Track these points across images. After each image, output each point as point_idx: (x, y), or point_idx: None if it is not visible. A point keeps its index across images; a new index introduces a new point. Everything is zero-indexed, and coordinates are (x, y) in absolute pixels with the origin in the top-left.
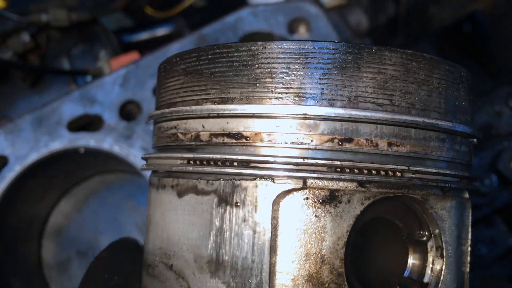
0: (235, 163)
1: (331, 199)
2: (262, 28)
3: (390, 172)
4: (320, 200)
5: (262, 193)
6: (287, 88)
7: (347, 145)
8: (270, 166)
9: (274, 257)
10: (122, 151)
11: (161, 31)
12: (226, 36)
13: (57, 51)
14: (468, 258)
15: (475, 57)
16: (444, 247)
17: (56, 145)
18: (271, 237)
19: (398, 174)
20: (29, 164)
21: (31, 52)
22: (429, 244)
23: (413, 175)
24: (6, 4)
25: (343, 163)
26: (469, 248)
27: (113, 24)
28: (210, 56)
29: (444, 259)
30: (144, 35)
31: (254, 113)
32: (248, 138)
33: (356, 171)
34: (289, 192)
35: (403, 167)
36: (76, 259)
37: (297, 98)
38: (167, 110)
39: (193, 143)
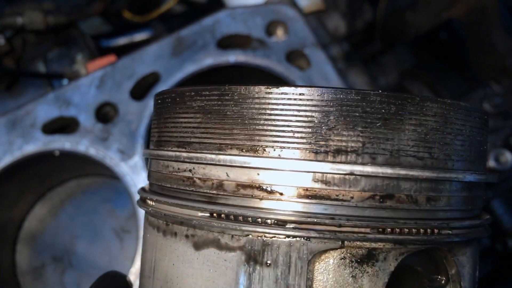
0: (268, 221)
1: (368, 258)
2: (240, 31)
3: (429, 230)
4: (358, 260)
5: (296, 252)
6: (326, 140)
7: (388, 202)
8: (313, 227)
9: None
10: (98, 153)
11: (139, 36)
12: (203, 37)
13: (33, 55)
14: None
15: (451, 62)
16: None
17: (31, 148)
18: None
19: (436, 231)
20: (2, 167)
21: (6, 56)
22: None
23: (450, 232)
24: None
25: (384, 222)
26: (476, 286)
27: (91, 29)
28: (236, 97)
29: None
30: (122, 40)
31: (289, 169)
32: (282, 194)
33: (398, 230)
34: (325, 251)
35: (443, 225)
36: (51, 265)
37: (336, 152)
38: (183, 153)
39: (214, 191)
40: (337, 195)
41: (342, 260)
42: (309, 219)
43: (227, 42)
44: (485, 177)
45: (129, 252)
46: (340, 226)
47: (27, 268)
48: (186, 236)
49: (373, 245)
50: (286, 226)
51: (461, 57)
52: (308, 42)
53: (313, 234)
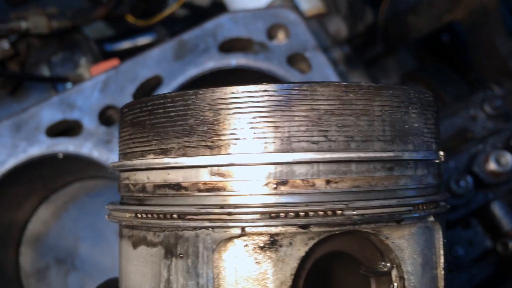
0: (175, 215)
1: (271, 244)
2: (241, 34)
3: (329, 212)
4: (260, 246)
5: (202, 243)
6: (219, 135)
7: (282, 188)
8: (207, 217)
9: None
10: (101, 156)
11: (142, 40)
12: (205, 41)
13: (37, 59)
14: (442, 283)
15: (454, 65)
16: (405, 277)
17: (35, 151)
18: (214, 287)
19: (339, 212)
20: (7, 170)
21: (10, 60)
22: (393, 274)
23: (353, 212)
24: None
25: (280, 207)
26: (442, 272)
27: (95, 33)
28: (149, 107)
29: None
30: (125, 44)
31: (189, 164)
32: (186, 189)
33: (292, 214)
34: (228, 240)
35: (341, 206)
36: (55, 267)
37: (228, 146)
38: (123, 162)
39: (141, 194)
40: (231, 186)
41: (246, 247)
42: (202, 210)
43: (229, 46)
44: (399, 151)
45: None
46: (230, 214)
47: (31, 270)
48: (128, 237)
49: (274, 230)
50: (187, 217)
51: (463, 59)
52: (309, 46)
53: (211, 223)
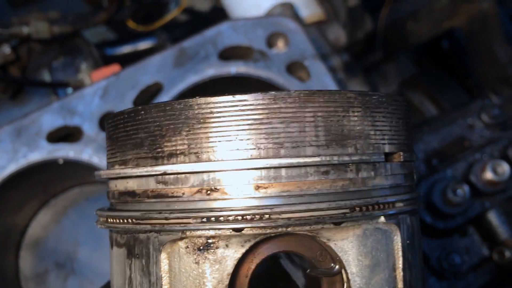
0: (129, 220)
1: (208, 246)
2: (241, 42)
3: (256, 216)
4: (200, 248)
5: (152, 244)
6: (162, 147)
7: (215, 194)
8: (149, 221)
9: None
10: (101, 162)
11: (143, 45)
12: (205, 49)
13: (38, 64)
14: (401, 284)
15: (453, 72)
16: (350, 278)
17: (35, 156)
18: (162, 285)
19: (266, 216)
20: (7, 175)
21: (11, 64)
22: (344, 275)
23: (279, 216)
24: None
25: (211, 212)
26: (402, 273)
27: (96, 37)
28: (113, 123)
29: None
30: (126, 49)
31: (139, 174)
32: (139, 196)
33: (221, 219)
34: (173, 242)
35: (266, 210)
36: (54, 271)
37: (169, 156)
38: (98, 172)
39: (114, 200)
40: (172, 193)
41: (187, 248)
42: (145, 215)
43: (228, 54)
44: (344, 158)
45: None
46: (167, 219)
47: (30, 274)
48: (109, 238)
49: (210, 233)
50: (136, 222)
51: (462, 66)
52: (308, 54)
53: (150, 228)
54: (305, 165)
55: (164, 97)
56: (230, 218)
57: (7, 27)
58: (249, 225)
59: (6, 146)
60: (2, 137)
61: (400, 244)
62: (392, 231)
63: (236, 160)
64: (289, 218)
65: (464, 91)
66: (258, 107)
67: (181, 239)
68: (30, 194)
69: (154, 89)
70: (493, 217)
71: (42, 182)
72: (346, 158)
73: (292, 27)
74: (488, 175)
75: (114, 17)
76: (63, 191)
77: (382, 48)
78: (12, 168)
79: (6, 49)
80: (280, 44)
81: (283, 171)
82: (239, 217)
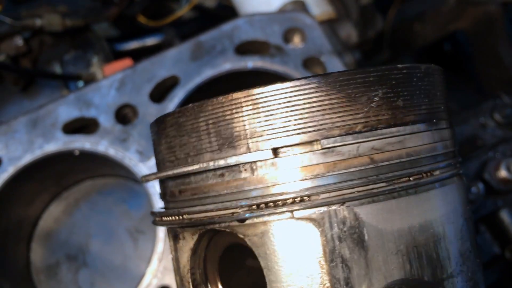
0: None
1: (175, 236)
2: (258, 37)
3: (177, 216)
4: (173, 236)
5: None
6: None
7: (166, 198)
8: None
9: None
10: (117, 154)
11: (151, 41)
12: (222, 43)
13: (49, 56)
14: (327, 277)
15: (456, 74)
16: (264, 271)
17: (51, 147)
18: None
19: (183, 216)
20: (23, 165)
21: (23, 56)
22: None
23: (185, 216)
24: (1, 9)
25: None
26: (326, 266)
27: (100, 33)
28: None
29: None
30: (134, 44)
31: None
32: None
33: (169, 217)
34: (168, 231)
35: (179, 211)
36: (66, 263)
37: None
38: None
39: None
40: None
41: (170, 235)
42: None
43: (245, 48)
44: (234, 159)
45: (143, 252)
46: (157, 215)
47: (41, 266)
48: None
49: (175, 227)
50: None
51: (464, 68)
52: (324, 50)
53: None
54: (203, 170)
55: (180, 90)
56: (171, 217)
57: (19, 19)
58: (178, 223)
59: (21, 137)
60: (17, 128)
61: (319, 239)
62: (306, 227)
63: (165, 171)
64: (190, 219)
65: (472, 92)
66: (172, 124)
67: (170, 229)
68: (43, 186)
69: (170, 82)
70: (505, 216)
71: (55, 174)
72: (236, 159)
73: (309, 23)
74: (503, 173)
75: (125, 11)
76: (75, 183)
77: (389, 48)
78: (28, 158)
79: (19, 41)
80: (297, 39)
81: (192, 178)
82: (174, 217)
